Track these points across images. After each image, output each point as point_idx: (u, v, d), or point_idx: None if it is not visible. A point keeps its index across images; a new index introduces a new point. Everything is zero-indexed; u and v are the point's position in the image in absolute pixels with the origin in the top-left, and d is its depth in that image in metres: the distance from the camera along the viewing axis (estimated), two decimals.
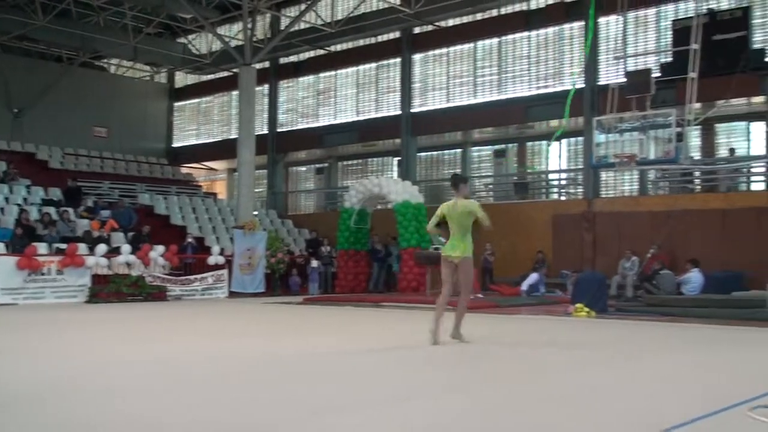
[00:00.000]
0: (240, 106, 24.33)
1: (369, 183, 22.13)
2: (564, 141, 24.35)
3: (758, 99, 19.66)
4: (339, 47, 28.32)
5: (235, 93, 28.10)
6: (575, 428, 4.76)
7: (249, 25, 24.69)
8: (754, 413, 4.97)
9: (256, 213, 25.64)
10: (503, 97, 24.23)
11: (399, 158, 26.82)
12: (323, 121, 28.96)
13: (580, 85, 22.06)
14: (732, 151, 20.77)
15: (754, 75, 18.54)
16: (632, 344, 9.60)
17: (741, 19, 19.17)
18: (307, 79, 29.69)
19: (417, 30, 26.20)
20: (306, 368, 7.24)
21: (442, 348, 8.68)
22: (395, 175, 26.85)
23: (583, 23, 22.29)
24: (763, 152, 20.40)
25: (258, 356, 8.12)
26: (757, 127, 20.69)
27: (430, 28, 25.79)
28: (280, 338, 10.18)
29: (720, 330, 11.43)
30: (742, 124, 21.20)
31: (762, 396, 5.57)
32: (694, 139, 20.70)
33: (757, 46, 19.25)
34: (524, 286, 18.92)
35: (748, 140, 21.00)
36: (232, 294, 20.25)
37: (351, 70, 28.25)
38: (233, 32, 29.20)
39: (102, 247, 18.81)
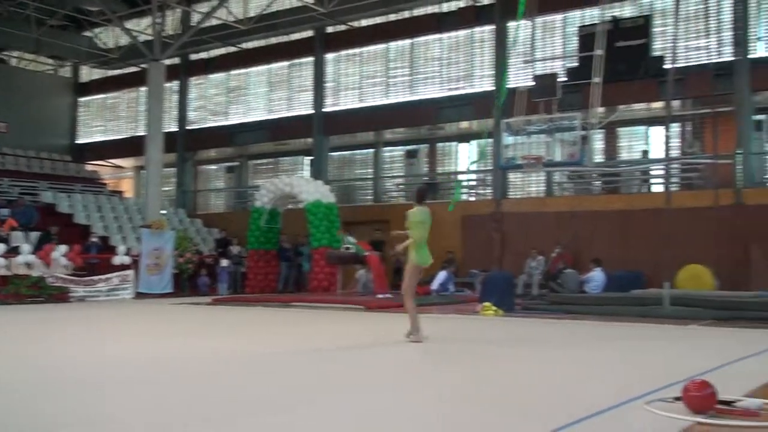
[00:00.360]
0: (148, 103, 23.81)
1: (280, 182, 22.04)
2: (474, 143, 24.74)
3: (657, 104, 20.40)
4: (251, 45, 27.99)
5: (143, 89, 27.41)
6: (471, 426, 4.82)
7: (158, 20, 24.19)
8: (651, 407, 5.15)
9: (164, 212, 25.14)
10: (415, 98, 24.43)
11: (311, 158, 26.71)
12: (234, 120, 28.57)
13: (490, 87, 22.48)
14: (645, 153, 21.41)
15: (654, 81, 19.23)
16: (536, 341, 9.81)
17: (642, 27, 19.81)
18: (218, 77, 29.25)
19: (330, 29, 26.14)
20: (231, 368, 7.12)
21: (349, 349, 8.69)
22: (307, 174, 26.73)
23: (493, 27, 22.72)
24: (661, 155, 21.16)
25: (171, 357, 7.95)
26: (656, 132, 21.48)
27: (343, 27, 25.78)
28: (199, 338, 9.99)
29: (620, 327, 11.82)
30: (642, 128, 21.98)
31: (659, 390, 5.77)
32: (598, 142, 21.36)
33: (656, 53, 19.95)
34: (434, 285, 19.12)
35: (648, 144, 21.80)
36: (139, 295, 19.77)
37: (263, 68, 27.96)
38: (142, 26, 28.46)
39: (0, 247, 18.07)
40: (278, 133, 27.38)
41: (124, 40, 28.32)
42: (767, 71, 18.89)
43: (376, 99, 25.29)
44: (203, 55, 29.41)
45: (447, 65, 24.01)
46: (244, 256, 22.75)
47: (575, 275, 17.80)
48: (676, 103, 19.76)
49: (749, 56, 19.02)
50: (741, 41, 19.03)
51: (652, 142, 21.70)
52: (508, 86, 21.70)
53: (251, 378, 6.67)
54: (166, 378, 6.61)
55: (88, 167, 31.52)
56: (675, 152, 20.14)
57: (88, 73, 33.24)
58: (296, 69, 27.17)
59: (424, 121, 24.37)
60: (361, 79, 25.74)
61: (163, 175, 25.21)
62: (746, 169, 18.82)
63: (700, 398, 4.99)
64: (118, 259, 20.14)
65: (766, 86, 19.24)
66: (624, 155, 22.12)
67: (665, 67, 18.79)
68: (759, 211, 18.02)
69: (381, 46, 25.27)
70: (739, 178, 18.81)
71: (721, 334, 10.88)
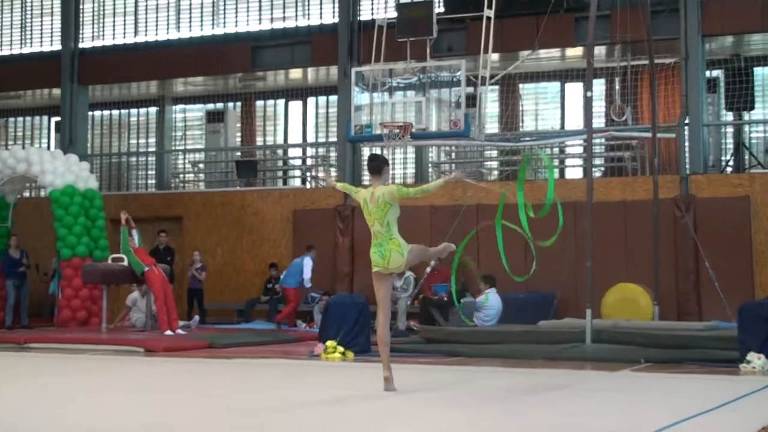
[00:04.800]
0: None
1: (10, 157, 21.49)
2: (310, 101, 24.84)
3: (574, 51, 21.10)
4: None
5: None
6: None
7: None
8: None
9: None
10: (220, 31, 24.31)
11: (59, 119, 26.12)
12: None
13: (333, 20, 22.60)
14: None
15: (570, 18, 19.90)
16: (400, 401, 9.87)
17: None
18: None
19: None
20: None
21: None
22: (53, 145, 26.17)
23: None
24: (579, 126, 21.94)
25: None
26: (573, 91, 22.17)
27: None
28: None
29: (525, 374, 12.15)
30: (555, 85, 22.69)
31: None
32: (492, 103, 21.87)
33: None
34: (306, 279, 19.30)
35: (563, 108, 22.48)
36: None
37: None
38: None
39: None
40: (7, 80, 26.57)
41: None
42: (724, 8, 19.90)
43: (161, 32, 25.03)
44: None
45: None
46: None
47: (472, 304, 17.90)
48: (600, 51, 20.48)
49: None
50: None
51: (568, 105, 22.43)
52: (360, 19, 22.01)
53: None
54: None
55: None
56: (599, 122, 20.84)
57: None
58: None
59: (233, 66, 24.28)
60: (137, 1, 25.36)
61: None
62: (695, 148, 19.74)
63: None
64: None
65: (723, 29, 20.26)
66: (529, 124, 22.78)
67: None
68: (713, 207, 18.97)
69: None
70: (686, 160, 19.75)
71: (665, 383, 11.40)
